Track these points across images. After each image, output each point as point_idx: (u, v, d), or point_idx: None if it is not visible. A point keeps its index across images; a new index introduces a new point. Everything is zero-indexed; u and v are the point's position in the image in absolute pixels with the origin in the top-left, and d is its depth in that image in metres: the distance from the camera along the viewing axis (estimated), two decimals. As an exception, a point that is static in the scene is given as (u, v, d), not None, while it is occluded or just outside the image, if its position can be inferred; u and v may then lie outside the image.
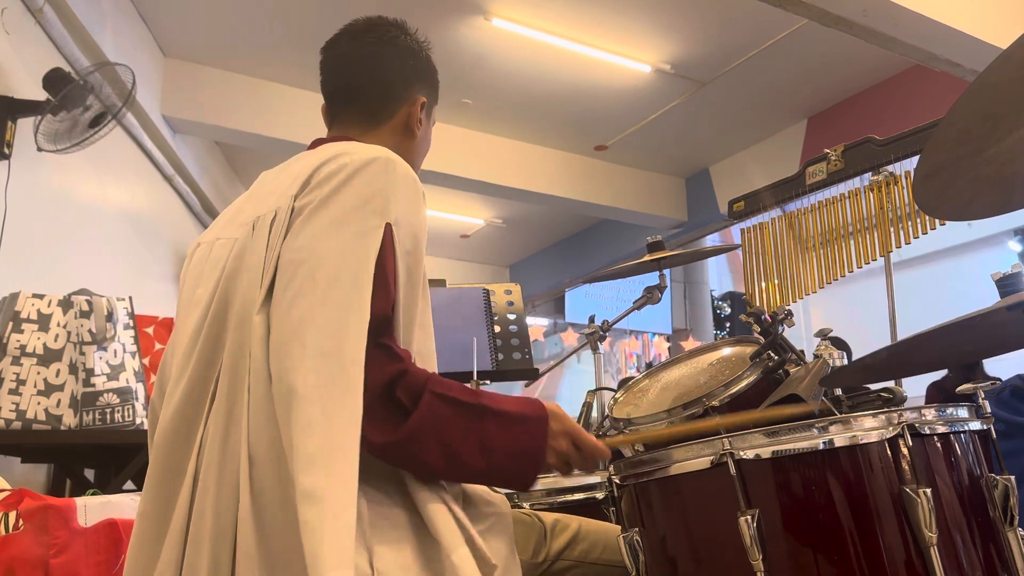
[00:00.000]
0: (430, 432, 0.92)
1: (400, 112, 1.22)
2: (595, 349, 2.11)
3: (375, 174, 0.98)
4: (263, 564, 0.84)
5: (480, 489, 1.08)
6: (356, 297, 0.89)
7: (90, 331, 2.13)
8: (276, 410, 0.86)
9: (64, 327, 2.11)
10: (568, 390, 8.84)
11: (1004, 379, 2.07)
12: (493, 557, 0.96)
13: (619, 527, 1.27)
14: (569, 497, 1.62)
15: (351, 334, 0.87)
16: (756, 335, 1.48)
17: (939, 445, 1.05)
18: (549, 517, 1.35)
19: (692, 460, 1.06)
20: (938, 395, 2.41)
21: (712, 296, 7.99)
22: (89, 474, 2.58)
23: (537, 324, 9.13)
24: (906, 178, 2.37)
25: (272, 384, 0.87)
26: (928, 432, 1.03)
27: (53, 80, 2.81)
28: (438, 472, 0.95)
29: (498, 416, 0.98)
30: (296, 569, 0.82)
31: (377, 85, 1.21)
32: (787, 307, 1.43)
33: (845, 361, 1.40)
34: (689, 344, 7.06)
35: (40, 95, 2.84)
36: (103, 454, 2.40)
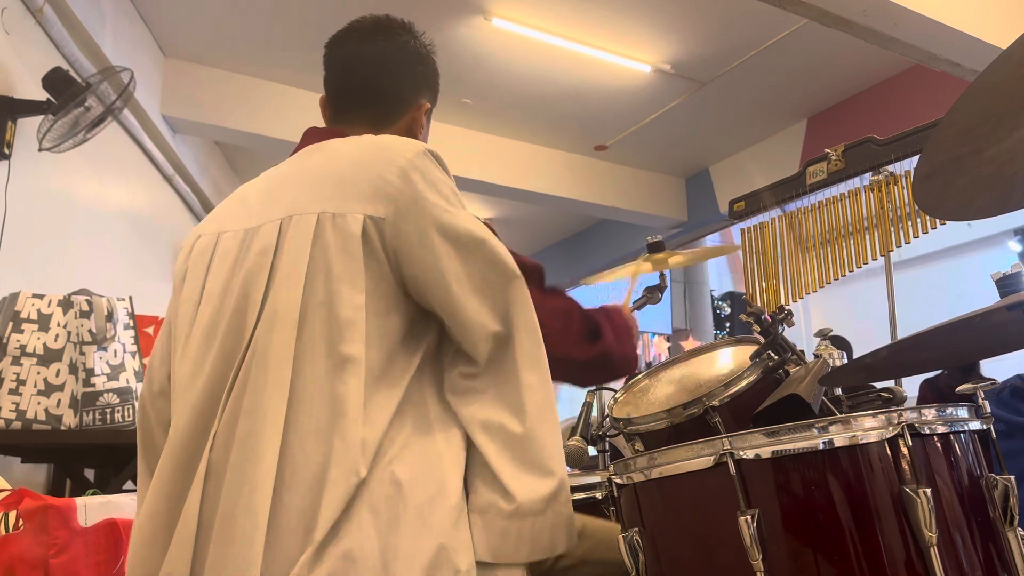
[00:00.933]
0: (612, 334, 1.22)
1: (405, 117, 1.23)
2: (595, 349, 2.10)
3: (434, 170, 1.03)
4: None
5: None
6: (512, 273, 1.01)
7: (90, 331, 2.13)
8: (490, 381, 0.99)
9: (64, 327, 2.11)
10: (568, 390, 8.82)
11: (1002, 379, 2.07)
12: None
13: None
14: (569, 497, 1.62)
15: (525, 306, 1.01)
16: (756, 335, 1.48)
17: (939, 445, 1.05)
18: None
19: (692, 460, 1.06)
20: (931, 393, 2.42)
21: (712, 296, 8.00)
22: (89, 474, 2.58)
23: (537, 324, 9.12)
24: (906, 178, 2.37)
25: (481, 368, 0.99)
26: (928, 432, 1.03)
27: (53, 80, 2.81)
28: (626, 362, 1.26)
29: (601, 312, 1.27)
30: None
31: (387, 90, 1.22)
32: (787, 307, 1.43)
33: (845, 360, 1.40)
34: (689, 344, 7.06)
35: (40, 95, 2.84)
36: (103, 454, 2.40)
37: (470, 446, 0.99)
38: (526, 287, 1.01)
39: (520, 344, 0.99)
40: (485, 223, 1.05)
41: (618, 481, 1.21)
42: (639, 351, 1.45)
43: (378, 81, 1.21)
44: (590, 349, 1.19)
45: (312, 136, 1.18)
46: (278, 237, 0.99)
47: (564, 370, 1.17)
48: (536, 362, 0.99)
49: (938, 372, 2.45)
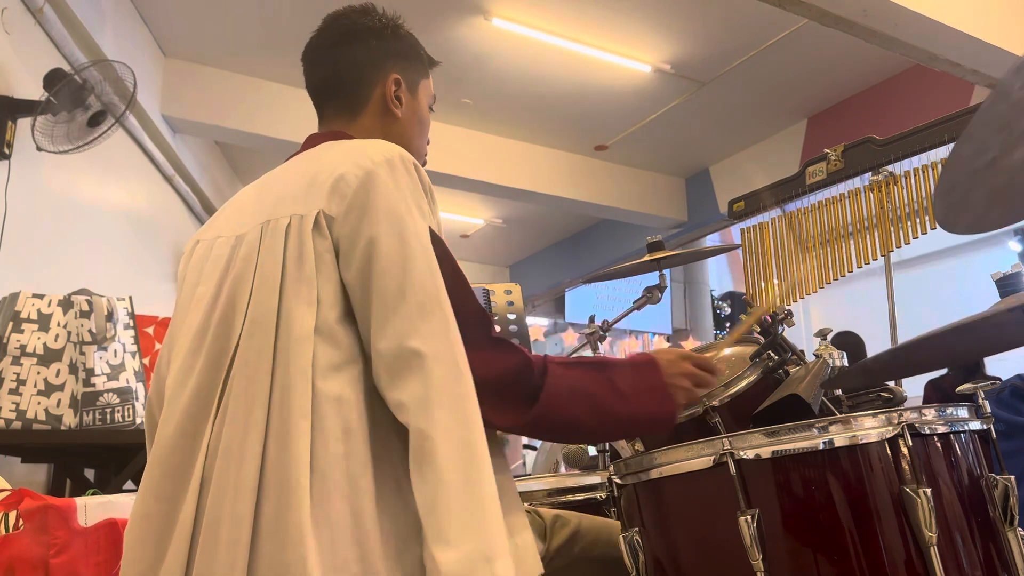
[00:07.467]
0: (565, 395, 1.00)
1: (375, 95, 1.21)
2: (595, 349, 2.10)
3: (400, 176, 1.00)
4: (327, 571, 0.85)
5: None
6: (445, 310, 0.93)
7: (90, 331, 2.13)
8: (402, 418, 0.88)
9: (64, 327, 2.11)
10: (568, 390, 8.81)
11: (1004, 379, 2.07)
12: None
13: (618, 523, 1.27)
14: (570, 497, 1.62)
15: (454, 343, 0.91)
16: (756, 335, 1.48)
17: (939, 445, 1.05)
18: (549, 514, 1.36)
19: (692, 460, 1.06)
20: (935, 393, 2.41)
21: (712, 296, 7.99)
22: (89, 474, 2.58)
23: (537, 324, 9.14)
24: (906, 178, 2.37)
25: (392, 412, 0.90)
26: (928, 432, 1.03)
27: (54, 81, 2.81)
28: (587, 427, 1.03)
29: (616, 365, 1.07)
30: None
31: (345, 75, 1.21)
32: (787, 307, 1.43)
33: (846, 360, 1.40)
34: (689, 344, 7.06)
35: (40, 95, 2.84)
36: (103, 454, 2.40)
37: None
38: (442, 319, 0.93)
39: (419, 389, 0.88)
40: (439, 245, 1.00)
41: (618, 481, 1.21)
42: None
43: (334, 68, 1.21)
44: (519, 416, 0.99)
45: (312, 141, 1.18)
46: (259, 242, 1.00)
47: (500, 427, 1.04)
48: (454, 397, 0.89)
49: (942, 372, 2.44)
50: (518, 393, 0.99)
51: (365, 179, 0.97)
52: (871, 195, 2.44)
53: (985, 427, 1.12)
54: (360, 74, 1.21)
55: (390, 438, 0.93)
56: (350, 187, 0.97)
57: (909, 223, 2.35)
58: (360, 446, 0.91)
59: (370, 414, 0.93)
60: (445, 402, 0.88)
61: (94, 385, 2.10)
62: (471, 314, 0.98)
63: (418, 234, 0.96)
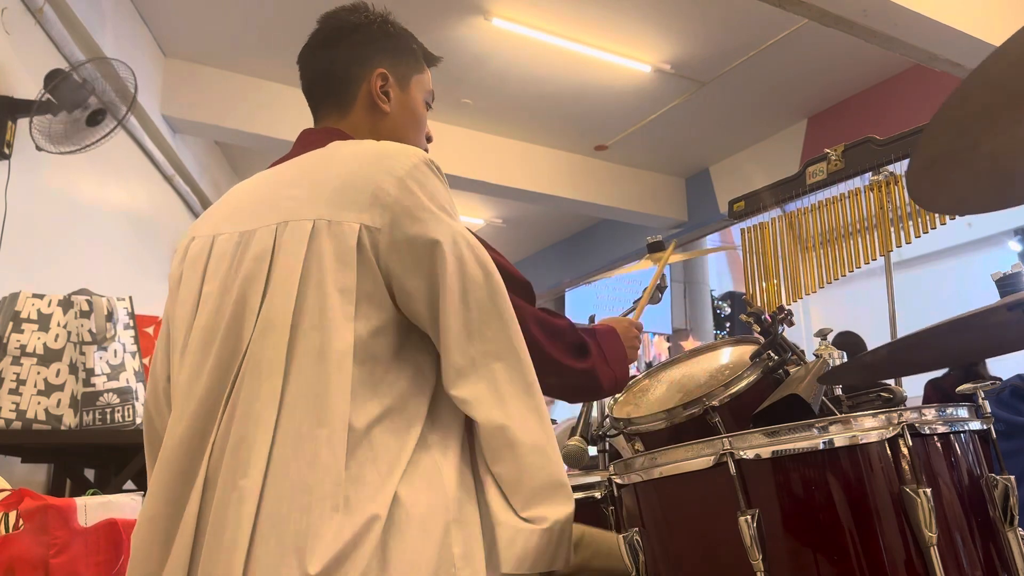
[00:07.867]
0: (602, 358, 1.29)
1: (361, 91, 1.20)
2: (595, 349, 2.10)
3: (432, 180, 1.01)
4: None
5: None
6: (501, 306, 1.00)
7: (90, 331, 2.13)
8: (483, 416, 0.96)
9: (64, 327, 2.11)
10: (568, 390, 8.82)
11: (1004, 379, 2.07)
12: None
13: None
14: (569, 497, 1.62)
15: (513, 337, 0.99)
16: (756, 335, 1.48)
17: (939, 445, 1.05)
18: None
19: (692, 460, 1.06)
20: (936, 393, 2.41)
21: (712, 296, 7.99)
22: (89, 474, 2.58)
23: (537, 324, 9.12)
24: (906, 178, 2.37)
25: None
26: (928, 432, 1.03)
27: (53, 80, 2.81)
28: (615, 385, 1.31)
29: (595, 335, 1.33)
30: None
31: (335, 72, 1.21)
32: (787, 307, 1.43)
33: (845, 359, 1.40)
34: (689, 344, 7.06)
35: (40, 95, 2.84)
36: (103, 454, 2.40)
37: (475, 463, 0.98)
38: (508, 304, 1.00)
39: (499, 371, 0.96)
40: (476, 236, 1.03)
41: (618, 481, 1.21)
42: (640, 351, 1.47)
43: (325, 67, 1.21)
44: (577, 363, 1.23)
45: (309, 137, 1.16)
46: (274, 243, 0.98)
47: (549, 376, 1.19)
48: (520, 387, 0.97)
49: (944, 372, 2.44)
50: (571, 345, 1.24)
51: (403, 188, 0.97)
52: (871, 195, 2.44)
53: (985, 427, 1.12)
54: (347, 72, 1.20)
55: (432, 434, 0.97)
56: (390, 197, 0.96)
57: (910, 223, 2.35)
58: (392, 451, 0.91)
59: (409, 420, 0.94)
60: (516, 392, 0.96)
61: (94, 385, 2.11)
62: (524, 288, 1.18)
63: (465, 236, 0.98)
